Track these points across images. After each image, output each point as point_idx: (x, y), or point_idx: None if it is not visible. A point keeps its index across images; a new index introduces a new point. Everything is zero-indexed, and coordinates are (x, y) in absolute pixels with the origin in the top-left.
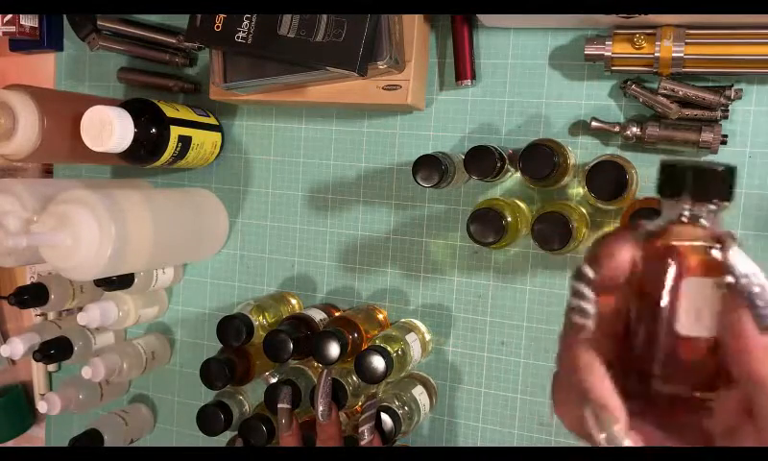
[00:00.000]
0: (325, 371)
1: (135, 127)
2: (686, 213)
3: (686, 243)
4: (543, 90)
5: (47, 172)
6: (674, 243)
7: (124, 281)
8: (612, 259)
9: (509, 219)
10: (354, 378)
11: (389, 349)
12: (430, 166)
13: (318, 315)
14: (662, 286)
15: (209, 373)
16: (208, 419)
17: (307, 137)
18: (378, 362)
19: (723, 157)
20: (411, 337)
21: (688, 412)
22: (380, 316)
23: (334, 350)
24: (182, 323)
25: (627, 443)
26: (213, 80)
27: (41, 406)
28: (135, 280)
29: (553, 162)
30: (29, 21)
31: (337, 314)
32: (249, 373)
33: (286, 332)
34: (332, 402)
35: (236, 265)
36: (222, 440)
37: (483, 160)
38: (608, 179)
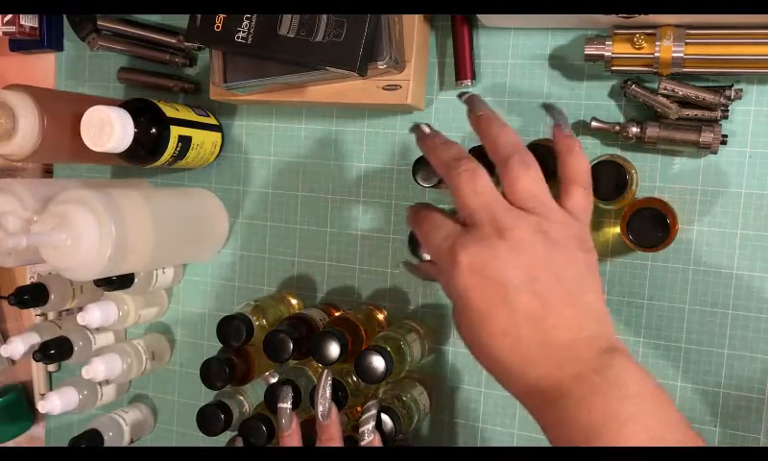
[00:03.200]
0: (325, 371)
1: (135, 127)
2: None
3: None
4: (543, 90)
5: (47, 172)
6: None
7: (124, 281)
8: None
9: None
10: (354, 378)
11: (389, 349)
12: (430, 166)
13: (318, 315)
14: None
15: (209, 373)
16: (208, 419)
17: (307, 137)
18: (378, 362)
19: (723, 156)
20: (411, 337)
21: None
22: (380, 316)
23: (334, 350)
24: (182, 323)
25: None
26: (213, 80)
27: (41, 406)
28: (135, 281)
29: (554, 162)
30: (29, 21)
31: (337, 314)
32: (249, 373)
33: (286, 332)
34: (332, 402)
35: (236, 265)
36: (222, 440)
37: (483, 160)
38: (608, 179)
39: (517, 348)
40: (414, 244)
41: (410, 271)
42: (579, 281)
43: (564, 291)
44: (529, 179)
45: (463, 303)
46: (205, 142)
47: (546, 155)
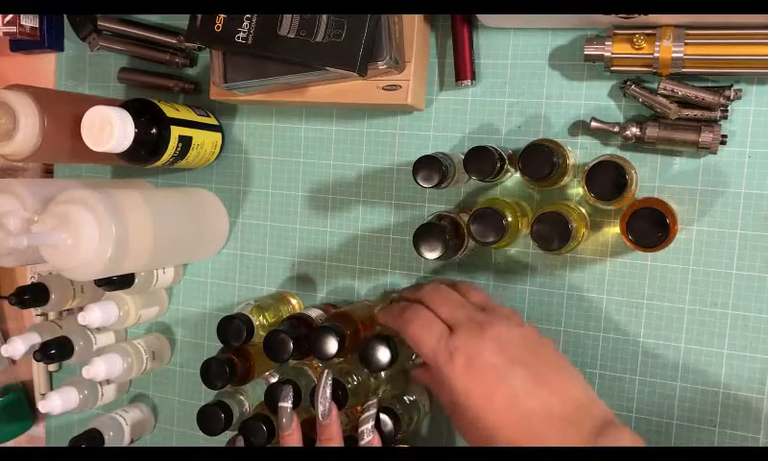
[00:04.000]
0: (326, 371)
1: (135, 127)
2: None
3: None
4: (543, 90)
5: (47, 172)
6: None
7: (124, 281)
8: None
9: (509, 219)
10: (355, 378)
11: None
12: (430, 166)
13: (318, 315)
14: None
15: (209, 373)
16: (208, 419)
17: (307, 137)
18: (383, 354)
19: (723, 156)
20: None
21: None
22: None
23: (332, 345)
24: (182, 323)
25: None
26: (213, 80)
27: (42, 406)
28: (136, 280)
29: (553, 162)
30: (29, 21)
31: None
32: (249, 373)
33: (286, 332)
34: (332, 402)
35: (236, 265)
36: (222, 440)
37: (483, 160)
38: (607, 179)
39: (522, 424)
40: (418, 243)
41: (413, 379)
42: (549, 351)
43: (546, 363)
44: (478, 295)
45: (464, 397)
46: (206, 142)
47: (547, 154)
